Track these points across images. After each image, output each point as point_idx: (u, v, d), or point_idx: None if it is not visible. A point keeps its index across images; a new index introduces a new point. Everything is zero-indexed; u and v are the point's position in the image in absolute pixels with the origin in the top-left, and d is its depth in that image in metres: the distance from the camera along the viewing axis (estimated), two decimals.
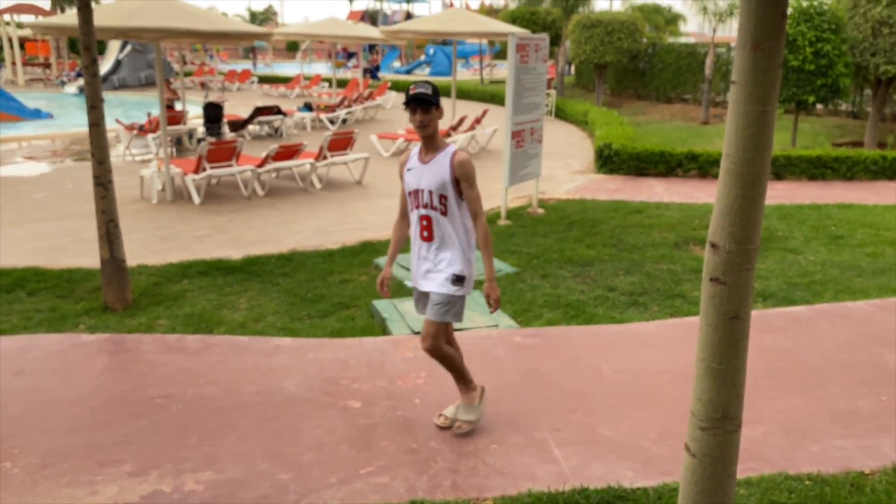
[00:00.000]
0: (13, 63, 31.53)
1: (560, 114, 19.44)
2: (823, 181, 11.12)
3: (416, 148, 3.67)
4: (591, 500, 3.19)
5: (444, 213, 3.56)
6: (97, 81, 5.53)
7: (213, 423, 3.85)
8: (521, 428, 3.84)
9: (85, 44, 5.45)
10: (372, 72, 29.24)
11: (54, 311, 5.51)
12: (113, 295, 5.66)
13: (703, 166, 11.21)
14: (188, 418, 3.90)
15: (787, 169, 11.13)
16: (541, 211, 8.83)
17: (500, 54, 48.63)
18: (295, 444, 3.68)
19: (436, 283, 3.58)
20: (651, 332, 5.15)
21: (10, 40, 31.15)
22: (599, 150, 11.61)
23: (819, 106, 15.61)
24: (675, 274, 6.47)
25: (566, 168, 12.11)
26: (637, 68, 22.22)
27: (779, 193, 10.05)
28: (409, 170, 3.62)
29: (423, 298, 3.74)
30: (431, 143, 3.56)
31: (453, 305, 3.57)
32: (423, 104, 3.43)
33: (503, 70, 43.12)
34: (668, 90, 21.36)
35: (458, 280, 3.56)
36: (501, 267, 6.58)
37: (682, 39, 34.90)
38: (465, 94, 24.81)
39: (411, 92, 3.45)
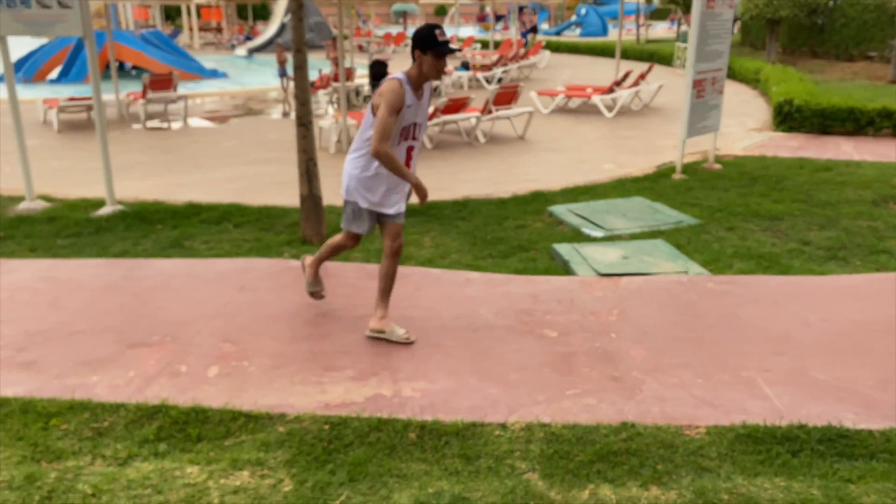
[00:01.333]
0: (190, 28, 34.00)
1: (727, 72, 18.41)
2: None
3: (404, 83, 3.77)
4: (812, 437, 3.10)
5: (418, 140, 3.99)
6: (302, 27, 5.87)
7: (420, 341, 4.06)
8: (727, 367, 3.77)
9: None
10: (524, 34, 28.95)
11: (259, 241, 5.99)
12: (310, 229, 6.05)
13: None
14: None
15: None
16: (718, 166, 8.48)
17: (656, 14, 46.63)
18: (499, 364, 3.82)
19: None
20: (858, 284, 4.85)
21: (188, 8, 33.57)
22: (778, 107, 10.93)
23: None
24: (876, 231, 6.03)
25: (740, 125, 11.52)
26: (814, 24, 20.58)
27: None
28: (408, 106, 3.80)
29: (372, 218, 4.06)
30: (425, 81, 3.86)
31: None
32: (451, 53, 3.79)
33: (658, 30, 41.34)
34: (849, 47, 19.66)
35: None
36: (683, 218, 6.41)
37: None
38: (622, 52, 23.98)
39: (440, 39, 3.70)
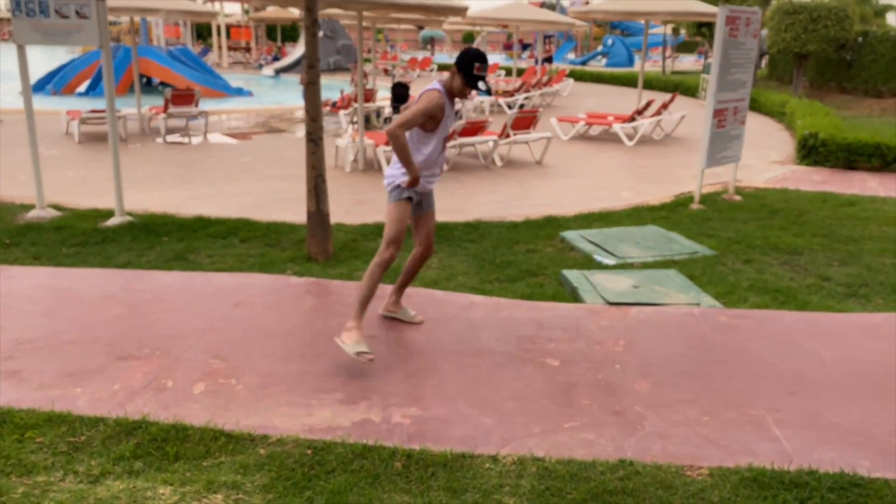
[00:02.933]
0: (220, 47, 34.51)
1: (753, 105, 18.20)
2: None
3: (443, 94, 3.94)
4: (823, 484, 2.90)
5: None
6: (316, 41, 5.82)
7: (416, 365, 3.92)
8: (735, 404, 3.57)
9: (307, 5, 5.76)
10: (542, 61, 29.04)
11: (264, 257, 5.90)
12: (316, 246, 5.95)
13: None
14: (392, 358, 4.00)
15: None
16: (738, 198, 8.29)
17: (683, 47, 46.55)
18: (495, 392, 3.66)
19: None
20: (878, 323, 4.63)
21: (218, 27, 34.11)
22: (803, 140, 10.72)
23: None
24: None
25: (762, 158, 11.31)
26: (843, 59, 20.35)
27: None
28: (448, 117, 4.02)
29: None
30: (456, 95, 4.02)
31: None
32: (478, 90, 3.95)
33: (685, 63, 41.23)
34: (878, 83, 19.37)
35: None
36: (698, 249, 6.23)
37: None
38: (647, 83, 23.94)
39: (476, 73, 3.86)
